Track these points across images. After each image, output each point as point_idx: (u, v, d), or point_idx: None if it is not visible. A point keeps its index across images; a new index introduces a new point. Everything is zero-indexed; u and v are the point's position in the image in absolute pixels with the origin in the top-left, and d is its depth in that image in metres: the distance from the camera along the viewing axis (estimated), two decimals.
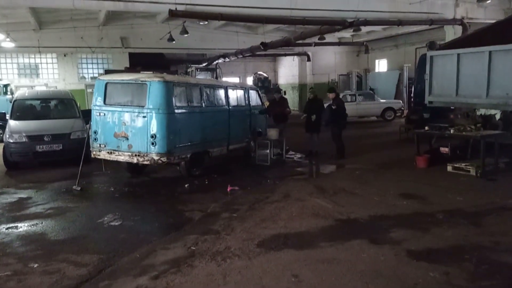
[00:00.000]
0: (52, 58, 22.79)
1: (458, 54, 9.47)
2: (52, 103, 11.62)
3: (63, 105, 11.44)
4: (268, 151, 10.38)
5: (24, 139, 9.61)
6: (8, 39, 18.24)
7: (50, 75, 22.87)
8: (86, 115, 9.80)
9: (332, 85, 18.98)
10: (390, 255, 4.58)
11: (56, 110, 11.43)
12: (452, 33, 16.38)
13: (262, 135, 11.01)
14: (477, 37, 10.42)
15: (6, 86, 18.55)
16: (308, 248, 4.81)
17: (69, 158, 9.76)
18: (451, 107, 11.22)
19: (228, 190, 7.64)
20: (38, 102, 11.49)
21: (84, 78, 23.22)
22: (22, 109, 10.78)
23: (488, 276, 4.08)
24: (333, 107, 10.56)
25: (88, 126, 8.96)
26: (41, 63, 22.74)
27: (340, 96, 11.91)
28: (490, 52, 8.84)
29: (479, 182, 7.85)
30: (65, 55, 22.64)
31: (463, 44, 9.96)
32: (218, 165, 9.66)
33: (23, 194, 7.69)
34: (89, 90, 21.24)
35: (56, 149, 9.74)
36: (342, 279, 4.06)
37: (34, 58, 22.50)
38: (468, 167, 8.43)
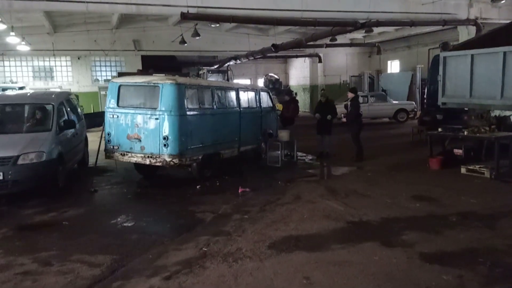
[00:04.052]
0: (66, 61, 23.14)
1: (472, 55, 9.36)
2: (21, 110, 8.27)
3: (40, 112, 8.06)
4: (279, 152, 10.39)
5: None
6: (23, 43, 18.52)
7: (64, 78, 23.22)
8: (98, 116, 9.20)
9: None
10: (402, 258, 4.54)
11: (22, 120, 8.10)
12: (466, 33, 16.18)
13: (273, 137, 11.02)
14: (491, 37, 10.28)
15: (21, 89, 18.85)
16: (320, 250, 4.80)
17: (16, 191, 6.90)
18: (465, 109, 11.08)
19: (239, 191, 7.65)
20: (4, 109, 8.37)
21: (98, 80, 23.54)
22: None
23: (502, 280, 4.03)
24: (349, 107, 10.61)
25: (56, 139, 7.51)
26: (55, 66, 23.12)
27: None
28: (504, 53, 8.72)
29: (493, 184, 7.76)
30: (78, 58, 22.97)
31: (477, 45, 9.83)
32: (229, 167, 9.68)
33: (37, 195, 7.79)
34: (103, 93, 21.53)
35: None
36: (354, 281, 4.04)
37: (49, 61, 22.88)
38: (482, 169, 8.33)
